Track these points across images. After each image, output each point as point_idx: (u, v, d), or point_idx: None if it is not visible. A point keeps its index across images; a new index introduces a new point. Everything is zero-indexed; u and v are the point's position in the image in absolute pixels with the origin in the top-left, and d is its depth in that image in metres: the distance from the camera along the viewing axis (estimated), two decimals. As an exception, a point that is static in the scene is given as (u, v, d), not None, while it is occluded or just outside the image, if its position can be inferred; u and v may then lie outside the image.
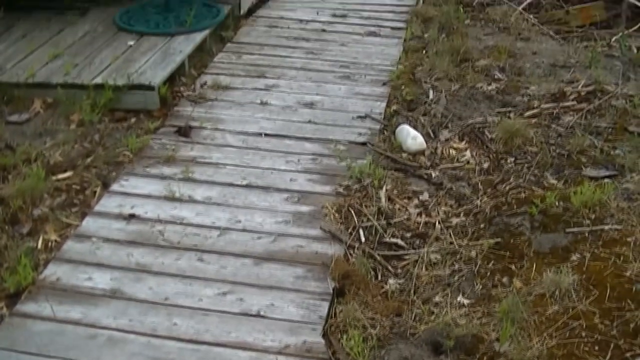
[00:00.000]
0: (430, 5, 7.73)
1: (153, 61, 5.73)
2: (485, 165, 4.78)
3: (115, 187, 4.44)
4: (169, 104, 5.46)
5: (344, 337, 3.28)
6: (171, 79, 5.66)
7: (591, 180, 4.45)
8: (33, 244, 3.93)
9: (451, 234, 4.08)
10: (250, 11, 7.43)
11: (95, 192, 4.41)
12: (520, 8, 8.27)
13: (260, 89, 5.76)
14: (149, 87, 5.33)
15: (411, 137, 4.90)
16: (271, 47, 6.62)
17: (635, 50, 6.94)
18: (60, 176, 4.53)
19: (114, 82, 5.31)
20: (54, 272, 3.67)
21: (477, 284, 3.65)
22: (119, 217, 4.15)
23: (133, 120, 5.25)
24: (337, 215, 4.16)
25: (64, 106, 5.23)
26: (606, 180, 4.47)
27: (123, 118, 5.26)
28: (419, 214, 4.29)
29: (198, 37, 6.30)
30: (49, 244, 3.95)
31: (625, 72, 6.29)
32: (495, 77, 6.10)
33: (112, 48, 6.00)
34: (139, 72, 5.50)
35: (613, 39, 7.35)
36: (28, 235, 4.00)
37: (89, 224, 4.09)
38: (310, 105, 5.51)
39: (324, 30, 7.06)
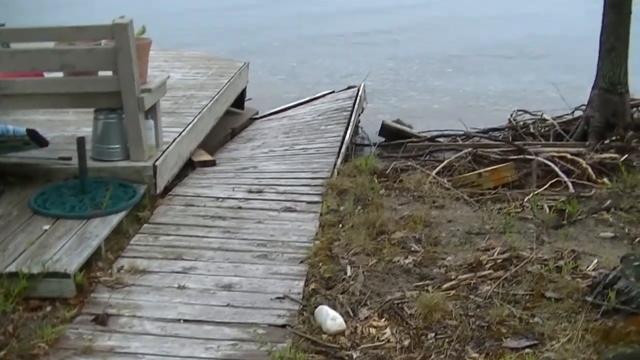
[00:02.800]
0: (345, 176, 7.87)
1: (69, 246, 5.65)
2: (406, 343, 4.77)
3: (29, 382, 4.31)
4: (86, 290, 5.35)
5: None
6: (87, 264, 5.58)
7: (512, 352, 4.51)
8: None
9: (375, 419, 4.04)
10: (167, 189, 7.45)
11: (8, 390, 4.27)
12: (433, 173, 8.52)
13: (178, 272, 5.69)
14: (65, 275, 5.24)
15: (330, 317, 4.89)
16: (188, 227, 6.60)
17: (547, 210, 7.17)
18: (-30, 374, 4.39)
19: (29, 270, 5.20)
20: None
21: None
22: (33, 417, 4.01)
23: (49, 308, 5.11)
24: (259, 405, 4.10)
25: (-23, 297, 5.10)
26: (527, 350, 4.54)
27: (38, 307, 5.12)
28: (342, 399, 4.25)
29: (114, 219, 6.27)
30: None
31: (539, 235, 6.50)
32: (412, 249, 6.18)
33: (26, 233, 5.92)
34: (54, 259, 5.41)
35: (525, 199, 7.59)
36: None
37: None
38: (229, 287, 5.45)
39: (240, 208, 7.09)
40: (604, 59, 10.11)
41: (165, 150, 7.46)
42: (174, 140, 7.80)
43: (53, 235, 5.89)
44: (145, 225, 6.63)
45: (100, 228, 6.05)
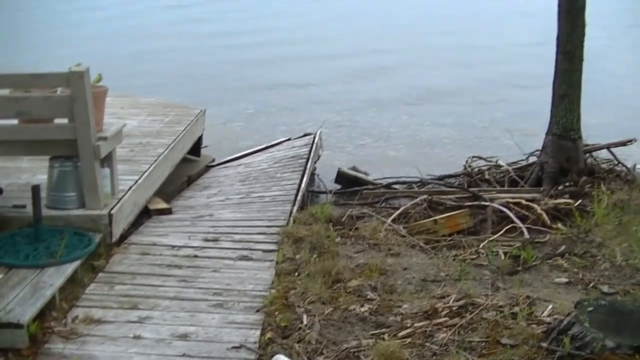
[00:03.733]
0: (301, 224, 7.87)
1: (22, 296, 5.58)
2: (363, 392, 4.79)
3: None
4: (39, 341, 5.28)
5: None
6: (41, 314, 5.50)
7: (469, 399, 4.53)
8: None
9: None
10: (123, 237, 7.40)
11: None
12: (389, 220, 8.57)
13: (134, 322, 5.64)
14: (18, 326, 5.17)
15: (286, 366, 4.89)
16: (143, 276, 6.55)
17: (502, 257, 7.24)
18: None
19: (-19, 322, 5.15)
20: None
21: None
22: None
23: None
24: None
25: None
26: (484, 397, 4.56)
27: (-10, 358, 5.09)
28: None
29: (69, 268, 6.21)
30: None
31: (494, 281, 6.56)
32: (368, 297, 6.19)
33: (-21, 283, 5.86)
34: (7, 309, 5.34)
35: (481, 245, 7.66)
36: None
37: None
38: (185, 337, 5.42)
39: (196, 256, 7.07)
40: (557, 106, 10.28)
41: (121, 199, 7.43)
42: (130, 188, 7.77)
43: (6, 284, 5.81)
44: (101, 274, 6.58)
45: (55, 277, 5.99)
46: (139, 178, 8.18)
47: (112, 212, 7.09)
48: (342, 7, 34.78)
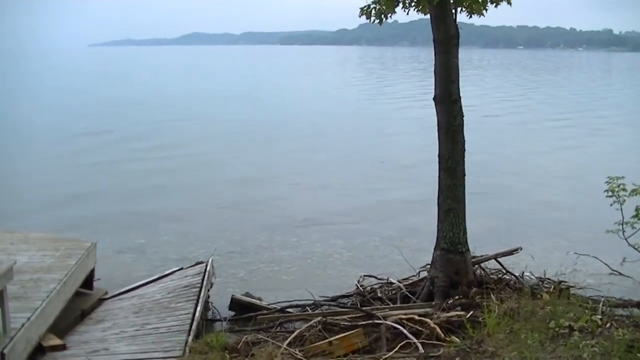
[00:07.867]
0: (197, 354, 7.88)
1: None
2: None
3: None
4: None
5: None
6: None
7: None
8: None
9: None
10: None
11: None
12: (285, 344, 8.62)
13: None
14: None
15: None
16: None
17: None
18: None
19: None
20: None
21: None
22: None
23: None
24: None
25: None
26: None
27: None
28: None
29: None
30: None
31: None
32: None
33: None
34: None
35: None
36: None
37: None
38: None
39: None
40: (443, 221, 10.64)
41: (13, 337, 7.34)
42: (22, 326, 7.67)
43: None
44: None
45: None
46: (32, 315, 8.08)
47: (5, 351, 7.00)
48: (227, 135, 35.21)
